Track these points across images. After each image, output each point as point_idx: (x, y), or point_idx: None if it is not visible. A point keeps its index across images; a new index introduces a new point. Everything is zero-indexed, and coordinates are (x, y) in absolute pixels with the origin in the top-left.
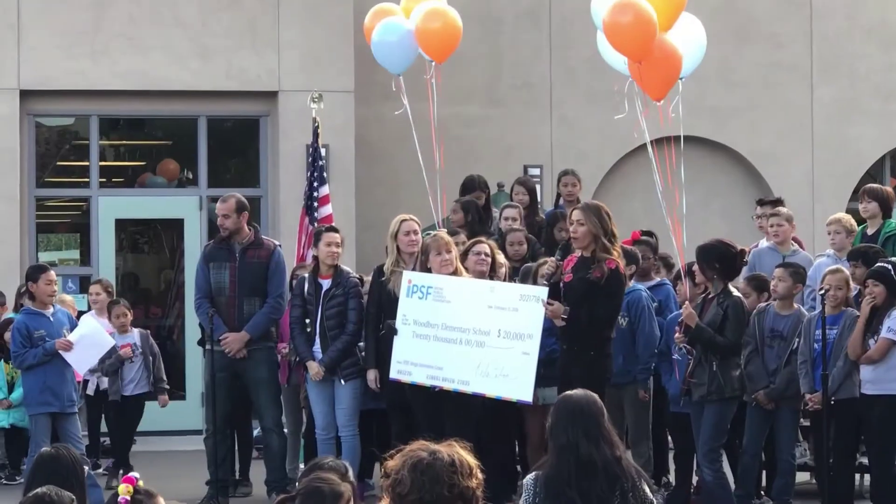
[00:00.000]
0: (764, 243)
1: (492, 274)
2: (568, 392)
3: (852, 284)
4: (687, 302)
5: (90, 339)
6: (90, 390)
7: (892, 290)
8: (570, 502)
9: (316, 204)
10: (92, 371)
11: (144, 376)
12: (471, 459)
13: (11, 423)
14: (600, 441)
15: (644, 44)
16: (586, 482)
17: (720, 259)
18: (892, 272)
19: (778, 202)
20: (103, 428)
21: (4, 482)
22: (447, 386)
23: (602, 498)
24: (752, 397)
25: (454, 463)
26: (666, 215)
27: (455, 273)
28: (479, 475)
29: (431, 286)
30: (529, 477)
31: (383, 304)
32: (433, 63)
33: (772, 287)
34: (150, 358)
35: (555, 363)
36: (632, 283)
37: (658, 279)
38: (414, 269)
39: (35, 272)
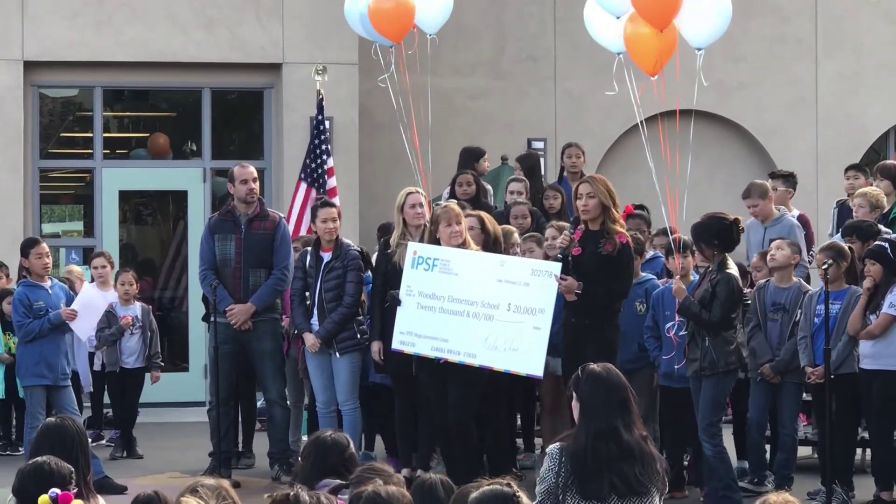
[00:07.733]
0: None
1: (494, 249)
2: (595, 370)
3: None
4: (676, 276)
5: (88, 303)
6: (96, 366)
7: (889, 268)
8: (610, 486)
9: (326, 177)
10: (96, 347)
11: (141, 350)
12: None
13: None
14: (632, 426)
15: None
16: (626, 465)
17: (718, 235)
18: (889, 250)
19: (790, 176)
20: (106, 400)
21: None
22: (452, 358)
23: (640, 480)
24: (759, 371)
25: None
26: (660, 193)
27: (463, 245)
28: None
29: (438, 258)
30: (554, 447)
31: (389, 276)
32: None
33: (769, 257)
34: (149, 333)
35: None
36: (643, 275)
37: (652, 253)
38: (422, 241)
39: (26, 247)
